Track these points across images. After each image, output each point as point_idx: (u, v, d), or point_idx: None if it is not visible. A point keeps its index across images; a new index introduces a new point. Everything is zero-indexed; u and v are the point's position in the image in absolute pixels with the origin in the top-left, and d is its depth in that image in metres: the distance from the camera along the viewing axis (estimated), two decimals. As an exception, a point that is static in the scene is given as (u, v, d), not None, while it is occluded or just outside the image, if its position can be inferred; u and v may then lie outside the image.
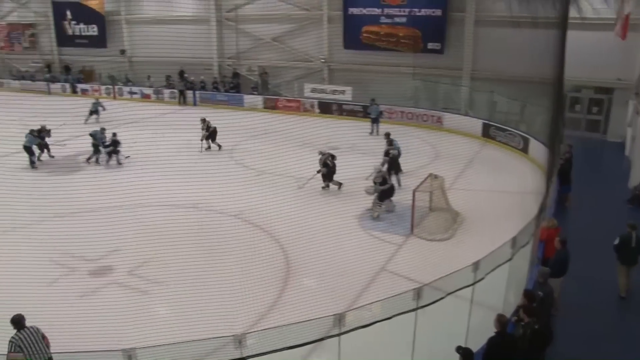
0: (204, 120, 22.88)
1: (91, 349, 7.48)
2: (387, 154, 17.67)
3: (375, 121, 25.30)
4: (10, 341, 8.01)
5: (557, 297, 9.80)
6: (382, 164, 17.19)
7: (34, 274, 11.22)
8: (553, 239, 10.59)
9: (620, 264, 11.02)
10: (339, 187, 17.35)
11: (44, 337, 8.24)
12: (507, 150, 22.16)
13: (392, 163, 17.44)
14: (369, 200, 15.66)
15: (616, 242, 10.96)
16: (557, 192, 15.21)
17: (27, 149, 20.73)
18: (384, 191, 15.23)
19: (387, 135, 19.12)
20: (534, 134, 20.98)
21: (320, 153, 17.34)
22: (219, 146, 22.78)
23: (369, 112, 25.69)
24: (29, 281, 11.00)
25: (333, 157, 17.25)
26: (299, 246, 12.79)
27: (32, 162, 20.78)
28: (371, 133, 24.79)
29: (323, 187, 17.46)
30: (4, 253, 12.09)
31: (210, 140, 22.81)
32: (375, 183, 15.39)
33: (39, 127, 20.99)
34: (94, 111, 28.10)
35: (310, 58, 32.19)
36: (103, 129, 21.68)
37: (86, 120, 27.18)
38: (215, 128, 22.58)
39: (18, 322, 8.22)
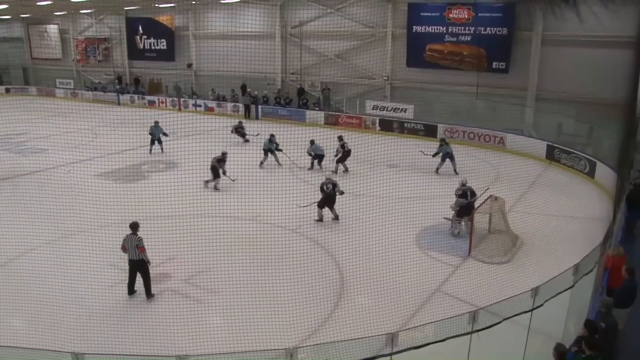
0: (340, 138, 21.12)
1: (144, 353, 7.68)
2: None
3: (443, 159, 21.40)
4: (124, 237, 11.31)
5: (622, 330, 9.37)
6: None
7: (96, 276, 11.65)
8: (619, 268, 10.14)
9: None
10: (319, 218, 16.07)
11: (137, 246, 11.16)
12: (572, 174, 21.48)
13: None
14: (428, 219, 15.45)
15: None
16: (625, 218, 14.60)
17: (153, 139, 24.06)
18: (462, 207, 14.98)
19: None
20: (602, 158, 20.27)
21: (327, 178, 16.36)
22: (346, 169, 21.21)
23: (438, 152, 21.41)
24: (91, 282, 11.43)
25: (335, 185, 15.97)
26: (354, 263, 12.74)
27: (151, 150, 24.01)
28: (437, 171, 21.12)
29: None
30: (69, 255, 12.53)
31: (342, 163, 21.01)
32: (455, 195, 15.22)
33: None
34: (156, 139, 24.74)
35: (373, 75, 32.28)
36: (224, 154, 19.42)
37: (150, 151, 24.61)
38: (349, 150, 20.84)
39: (133, 227, 11.49)
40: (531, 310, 7.71)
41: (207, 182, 18.45)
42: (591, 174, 20.64)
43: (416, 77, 30.14)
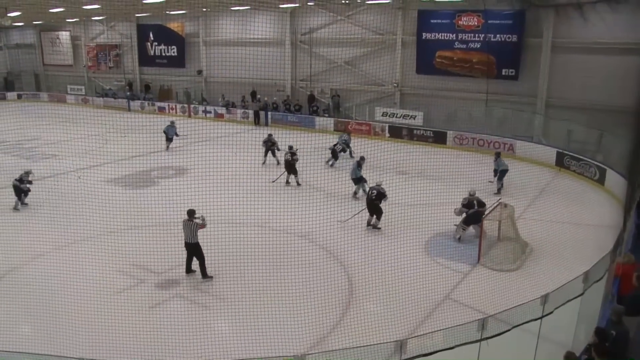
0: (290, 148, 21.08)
1: (153, 359, 7.70)
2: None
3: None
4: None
5: (633, 338, 9.30)
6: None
7: (104, 282, 11.71)
8: (629, 276, 10.07)
9: None
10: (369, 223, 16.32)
11: (201, 225, 12.40)
12: (582, 181, 21.37)
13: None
14: (437, 226, 15.45)
15: None
16: (636, 226, 14.50)
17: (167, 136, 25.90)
18: (469, 215, 14.98)
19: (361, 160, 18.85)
20: (612, 165, 20.16)
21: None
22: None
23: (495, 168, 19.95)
24: (99, 288, 11.48)
25: (380, 195, 15.83)
26: (363, 270, 12.74)
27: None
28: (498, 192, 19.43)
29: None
30: (79, 260, 12.61)
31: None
32: (462, 204, 15.28)
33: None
34: (167, 136, 26.51)
35: (383, 82, 32.30)
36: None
37: (167, 147, 26.18)
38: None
39: (189, 214, 12.47)
40: (541, 318, 7.68)
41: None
42: (601, 181, 20.53)
43: (426, 84, 30.10)
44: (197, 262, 12.58)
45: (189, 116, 37.98)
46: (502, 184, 19.53)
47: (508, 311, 7.57)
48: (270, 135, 23.81)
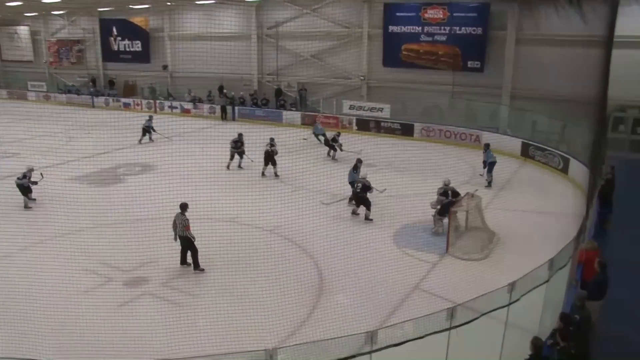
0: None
1: (124, 359, 7.62)
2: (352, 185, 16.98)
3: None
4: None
5: (594, 322, 9.54)
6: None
7: (71, 281, 11.50)
8: (592, 262, 10.33)
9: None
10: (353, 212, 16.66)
11: (186, 226, 12.41)
12: (547, 170, 21.80)
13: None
14: (406, 218, 15.59)
15: None
16: (598, 214, 14.85)
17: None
18: (444, 206, 15.10)
19: (357, 162, 17.96)
20: (575, 154, 20.59)
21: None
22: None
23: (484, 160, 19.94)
24: (65, 288, 11.27)
25: (366, 188, 16.01)
26: (332, 263, 12.78)
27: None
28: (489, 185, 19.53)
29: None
30: (44, 260, 12.37)
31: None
32: (437, 193, 15.34)
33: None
34: (147, 129, 27.15)
35: (349, 75, 32.37)
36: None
37: (140, 141, 26.68)
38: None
39: (182, 207, 12.62)
40: (508, 305, 7.80)
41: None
42: (565, 170, 20.95)
43: (393, 76, 30.32)
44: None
45: (155, 112, 37.47)
46: (492, 177, 19.39)
47: (476, 300, 7.66)
48: (240, 135, 22.14)
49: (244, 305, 11.05)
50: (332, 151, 23.99)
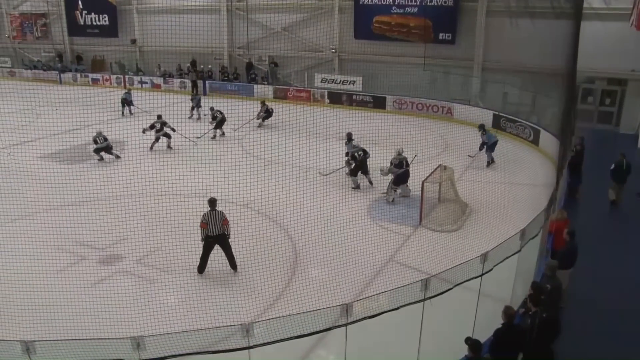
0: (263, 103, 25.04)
1: (99, 336, 7.56)
2: (352, 156, 16.80)
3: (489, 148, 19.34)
4: (202, 215, 11.19)
5: (565, 290, 9.77)
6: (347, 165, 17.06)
7: (44, 261, 11.36)
8: (562, 232, 10.55)
9: (614, 182, 15.38)
10: (355, 185, 16.72)
11: (224, 220, 11.19)
12: (518, 142, 22.04)
13: (361, 165, 16.68)
14: (379, 190, 15.68)
15: (612, 167, 15.29)
16: (567, 184, 15.12)
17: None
18: (398, 175, 15.20)
19: (349, 136, 17.91)
20: (545, 126, 20.86)
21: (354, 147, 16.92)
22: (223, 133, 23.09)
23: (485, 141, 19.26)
24: (39, 268, 11.13)
25: (365, 152, 16.49)
26: (307, 236, 12.80)
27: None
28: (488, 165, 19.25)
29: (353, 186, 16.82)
30: (14, 240, 12.18)
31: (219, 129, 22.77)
32: (391, 163, 15.43)
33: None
34: (127, 102, 27.75)
35: (321, 48, 32.13)
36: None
37: (122, 113, 27.73)
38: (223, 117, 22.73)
39: (211, 203, 11.36)
40: (481, 276, 7.93)
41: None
42: (535, 141, 21.23)
43: (364, 49, 30.18)
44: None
45: (125, 87, 36.79)
46: (492, 156, 19.09)
47: (450, 270, 7.75)
48: (159, 116, 21.16)
49: (219, 280, 11.05)
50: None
